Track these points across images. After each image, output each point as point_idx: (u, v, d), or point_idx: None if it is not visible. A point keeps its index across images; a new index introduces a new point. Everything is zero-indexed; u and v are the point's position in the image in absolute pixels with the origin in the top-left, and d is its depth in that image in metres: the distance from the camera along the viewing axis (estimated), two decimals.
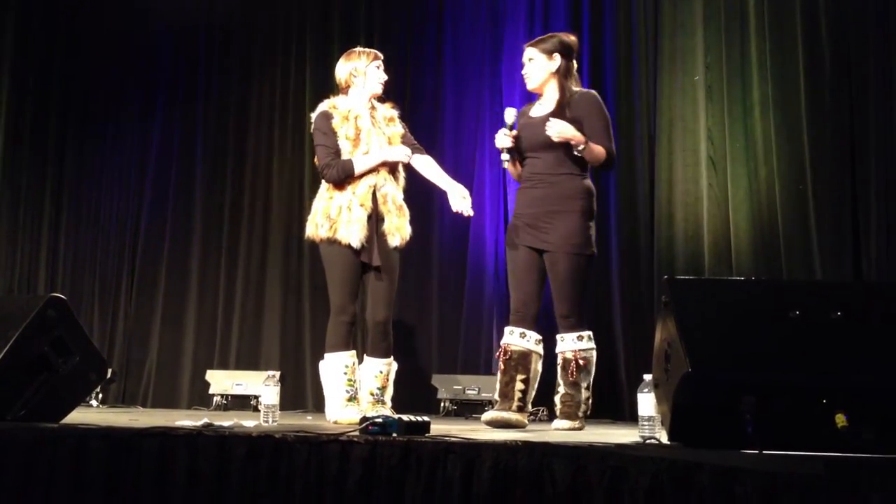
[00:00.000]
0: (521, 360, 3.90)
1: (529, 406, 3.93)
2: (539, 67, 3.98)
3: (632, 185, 5.52)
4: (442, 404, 5.43)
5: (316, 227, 4.10)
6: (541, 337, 3.95)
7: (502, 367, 3.93)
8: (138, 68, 6.71)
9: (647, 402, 2.97)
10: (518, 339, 3.92)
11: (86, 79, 6.78)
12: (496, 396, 3.95)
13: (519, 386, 3.87)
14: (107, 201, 6.60)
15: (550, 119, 3.81)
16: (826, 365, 2.58)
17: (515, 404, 3.83)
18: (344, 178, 4.06)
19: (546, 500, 2.36)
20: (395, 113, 4.30)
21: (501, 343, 3.98)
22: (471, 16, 6.09)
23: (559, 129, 3.77)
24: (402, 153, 4.16)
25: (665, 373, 2.79)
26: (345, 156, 4.08)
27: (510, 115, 3.97)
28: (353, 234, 4.00)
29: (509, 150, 3.94)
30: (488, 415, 3.84)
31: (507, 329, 3.99)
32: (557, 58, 3.97)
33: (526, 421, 3.85)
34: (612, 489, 2.28)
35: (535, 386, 3.94)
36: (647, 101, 5.57)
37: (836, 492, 1.96)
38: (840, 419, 2.45)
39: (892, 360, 2.58)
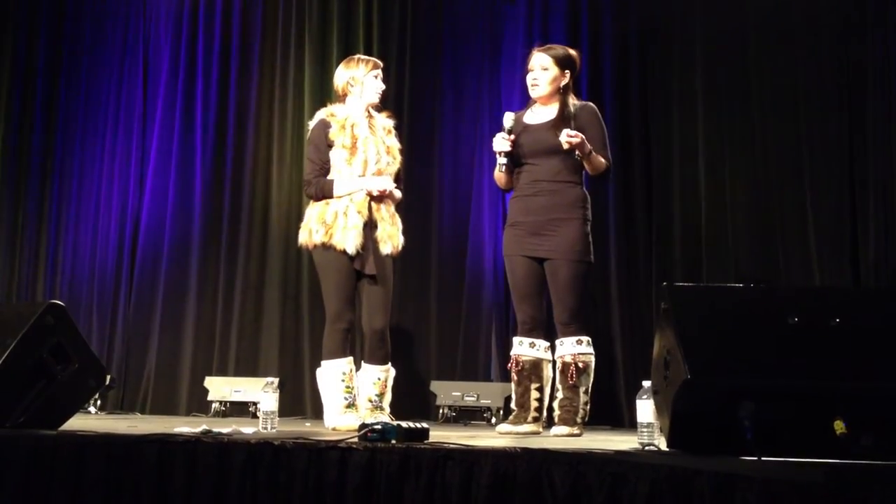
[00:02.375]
0: (533, 370, 3.96)
1: (545, 413, 3.99)
2: (552, 79, 4.00)
3: (630, 190, 5.52)
4: (440, 411, 5.43)
5: (310, 232, 4.09)
6: (549, 343, 4.00)
7: (515, 378, 4.00)
8: (137, 73, 6.70)
9: (646, 409, 2.98)
10: (528, 349, 3.97)
11: (86, 82, 6.78)
12: (513, 406, 4.01)
13: (534, 395, 3.94)
14: (105, 207, 6.59)
15: (563, 132, 3.82)
16: (825, 371, 2.58)
17: (532, 414, 3.92)
18: (321, 198, 4.09)
19: None
20: (391, 124, 4.30)
21: (512, 354, 4.03)
22: (469, 23, 6.09)
23: (571, 137, 3.79)
24: (376, 185, 4.06)
25: (664, 379, 2.79)
26: (341, 164, 4.08)
27: (509, 119, 4.00)
28: (349, 240, 4.00)
29: (507, 155, 3.95)
30: (504, 427, 3.91)
31: (515, 340, 4.03)
32: (568, 74, 4.03)
33: (541, 429, 3.91)
34: (611, 496, 2.28)
35: (549, 391, 3.99)
36: (645, 105, 5.58)
37: (834, 498, 1.96)
38: (839, 426, 2.45)
39: (891, 367, 2.58)
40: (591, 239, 3.96)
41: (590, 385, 3.91)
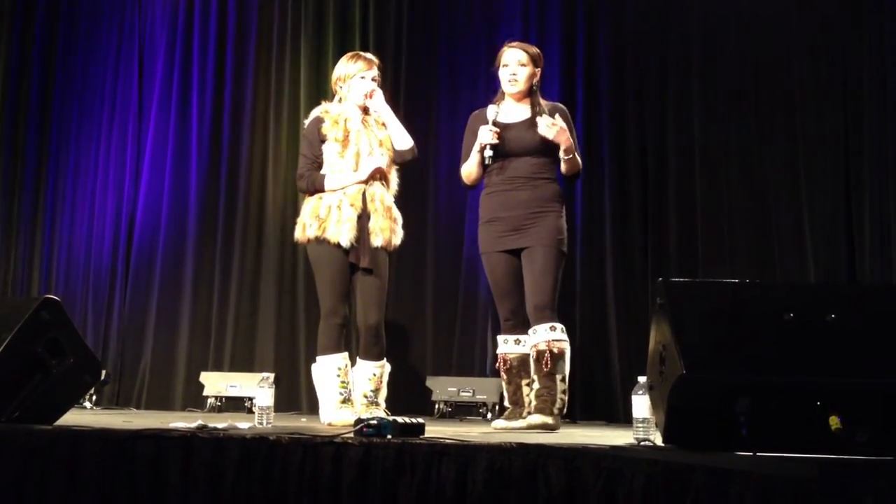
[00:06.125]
0: (521, 367, 3.95)
1: None
2: (529, 76, 4.02)
3: (625, 186, 5.53)
4: (436, 406, 5.43)
5: (304, 227, 4.09)
6: None
7: (505, 377, 3.99)
8: (133, 68, 6.69)
9: (641, 404, 2.98)
10: (513, 346, 3.97)
11: (81, 76, 6.77)
12: (507, 404, 4.01)
13: (526, 391, 3.92)
14: (101, 203, 6.58)
15: (542, 118, 3.86)
16: (820, 367, 2.59)
17: (527, 410, 3.86)
18: (313, 191, 4.11)
19: (540, 502, 2.36)
20: None
21: (498, 353, 4.01)
22: (465, 18, 6.09)
23: (556, 130, 3.82)
24: (365, 171, 4.06)
25: (660, 375, 2.79)
26: (334, 157, 4.08)
27: (493, 111, 4.01)
28: (343, 233, 4.00)
29: (492, 147, 3.93)
30: (500, 423, 3.88)
31: (500, 338, 4.02)
32: (538, 72, 4.06)
33: None
34: (606, 491, 2.28)
35: None
36: (640, 102, 5.58)
37: (829, 494, 1.96)
38: (834, 421, 2.45)
39: (886, 363, 2.59)
40: (566, 233, 3.96)
41: (566, 373, 3.82)
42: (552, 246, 3.86)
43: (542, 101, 4.05)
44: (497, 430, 3.74)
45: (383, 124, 4.24)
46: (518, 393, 3.94)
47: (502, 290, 3.98)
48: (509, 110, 4.06)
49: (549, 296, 3.84)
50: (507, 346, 3.98)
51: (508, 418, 3.90)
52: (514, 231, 3.91)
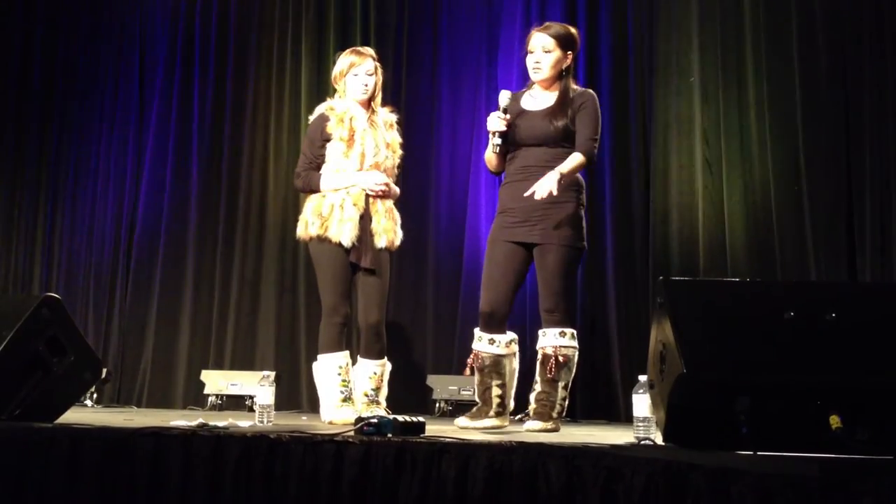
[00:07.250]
0: (493, 367, 3.79)
1: (511, 404, 3.82)
2: (556, 62, 3.79)
3: (627, 185, 5.52)
4: (437, 405, 5.43)
5: (306, 225, 4.09)
6: (513, 336, 3.85)
7: (477, 375, 3.83)
8: (134, 66, 6.69)
9: (642, 403, 2.98)
10: (487, 345, 3.80)
11: (83, 79, 6.78)
12: (476, 398, 3.87)
13: (496, 392, 3.76)
14: (102, 201, 6.59)
15: (537, 187, 3.60)
16: (820, 366, 2.59)
17: (494, 409, 3.73)
18: (308, 190, 4.13)
19: (540, 501, 2.36)
20: (394, 118, 4.27)
21: (473, 347, 3.86)
22: (467, 15, 6.08)
23: (546, 190, 3.59)
24: (372, 182, 4.06)
25: (660, 374, 2.79)
26: (338, 157, 4.07)
27: (504, 97, 3.82)
28: (345, 232, 3.99)
29: (502, 135, 3.78)
30: (462, 421, 3.74)
31: (476, 333, 3.86)
32: (570, 56, 3.84)
33: (507, 423, 3.76)
34: (606, 490, 2.28)
35: (514, 384, 3.85)
36: (643, 101, 5.57)
37: (829, 493, 1.96)
38: (834, 420, 2.45)
39: (887, 362, 2.59)
40: (584, 224, 3.81)
41: (570, 380, 3.72)
42: (564, 245, 3.69)
43: (574, 87, 3.84)
44: (460, 429, 3.57)
45: (391, 125, 4.24)
46: (487, 393, 3.77)
47: (489, 278, 3.79)
48: (536, 97, 3.86)
49: (558, 298, 3.70)
50: (482, 344, 3.80)
51: (473, 417, 3.75)
52: (524, 222, 3.73)
